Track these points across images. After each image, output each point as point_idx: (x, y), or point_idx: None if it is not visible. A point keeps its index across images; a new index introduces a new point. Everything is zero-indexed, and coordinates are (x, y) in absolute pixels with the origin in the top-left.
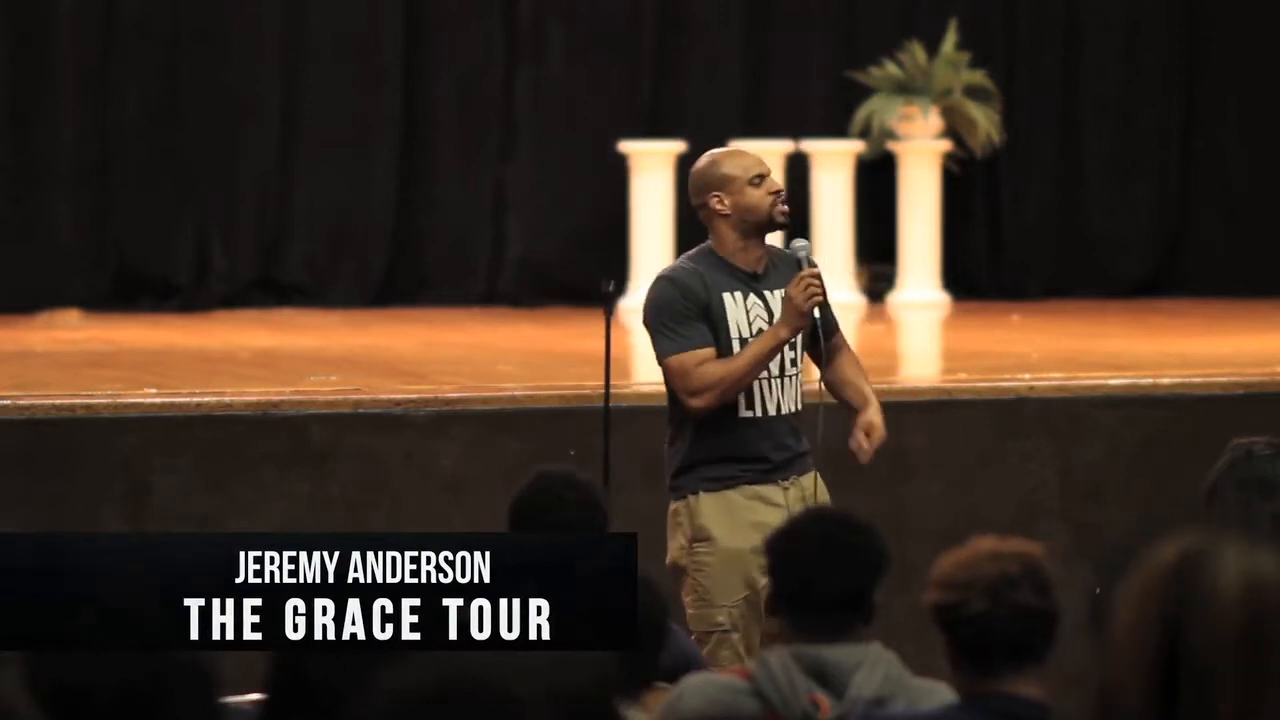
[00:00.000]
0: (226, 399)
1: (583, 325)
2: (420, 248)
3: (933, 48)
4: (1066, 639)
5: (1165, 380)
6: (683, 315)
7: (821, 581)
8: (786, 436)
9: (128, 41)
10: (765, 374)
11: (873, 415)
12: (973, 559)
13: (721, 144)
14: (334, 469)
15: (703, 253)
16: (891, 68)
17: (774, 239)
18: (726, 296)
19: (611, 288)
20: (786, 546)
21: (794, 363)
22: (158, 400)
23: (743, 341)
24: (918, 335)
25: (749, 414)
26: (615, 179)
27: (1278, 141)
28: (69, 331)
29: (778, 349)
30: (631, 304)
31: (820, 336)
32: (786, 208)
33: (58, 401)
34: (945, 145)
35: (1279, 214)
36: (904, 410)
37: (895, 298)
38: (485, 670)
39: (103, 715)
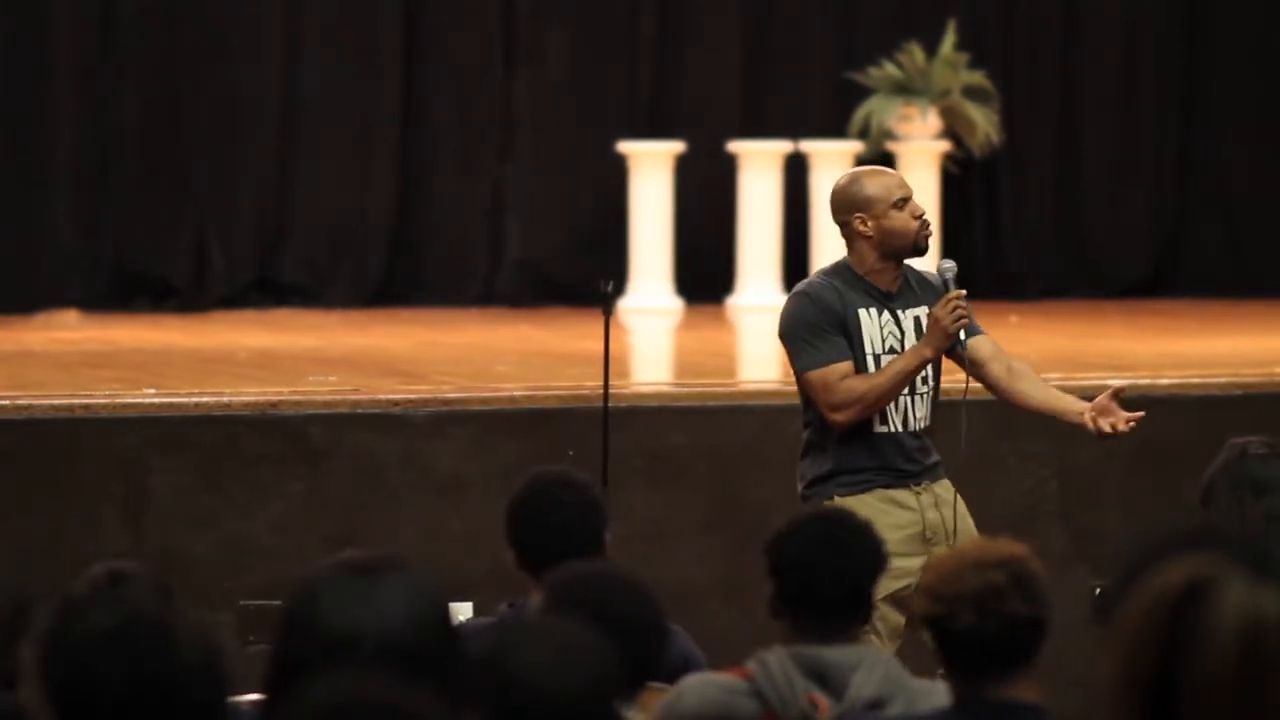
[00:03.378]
0: (225, 399)
1: (581, 326)
2: (419, 248)
3: (931, 48)
4: (1065, 640)
5: (1163, 381)
6: (821, 329)
7: (821, 582)
8: (916, 450)
9: (126, 42)
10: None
11: (1099, 400)
12: (959, 570)
13: (719, 145)
14: (332, 469)
15: (839, 268)
16: (890, 68)
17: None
18: (861, 312)
19: (610, 288)
20: (786, 548)
21: (925, 380)
22: (156, 400)
23: (876, 358)
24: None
25: (883, 429)
26: (614, 179)
27: (1275, 143)
28: (67, 332)
29: (921, 368)
30: (630, 304)
31: (961, 354)
32: (929, 231)
33: (56, 402)
34: (944, 146)
35: (1276, 215)
36: None
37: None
38: (394, 693)
39: (112, 711)
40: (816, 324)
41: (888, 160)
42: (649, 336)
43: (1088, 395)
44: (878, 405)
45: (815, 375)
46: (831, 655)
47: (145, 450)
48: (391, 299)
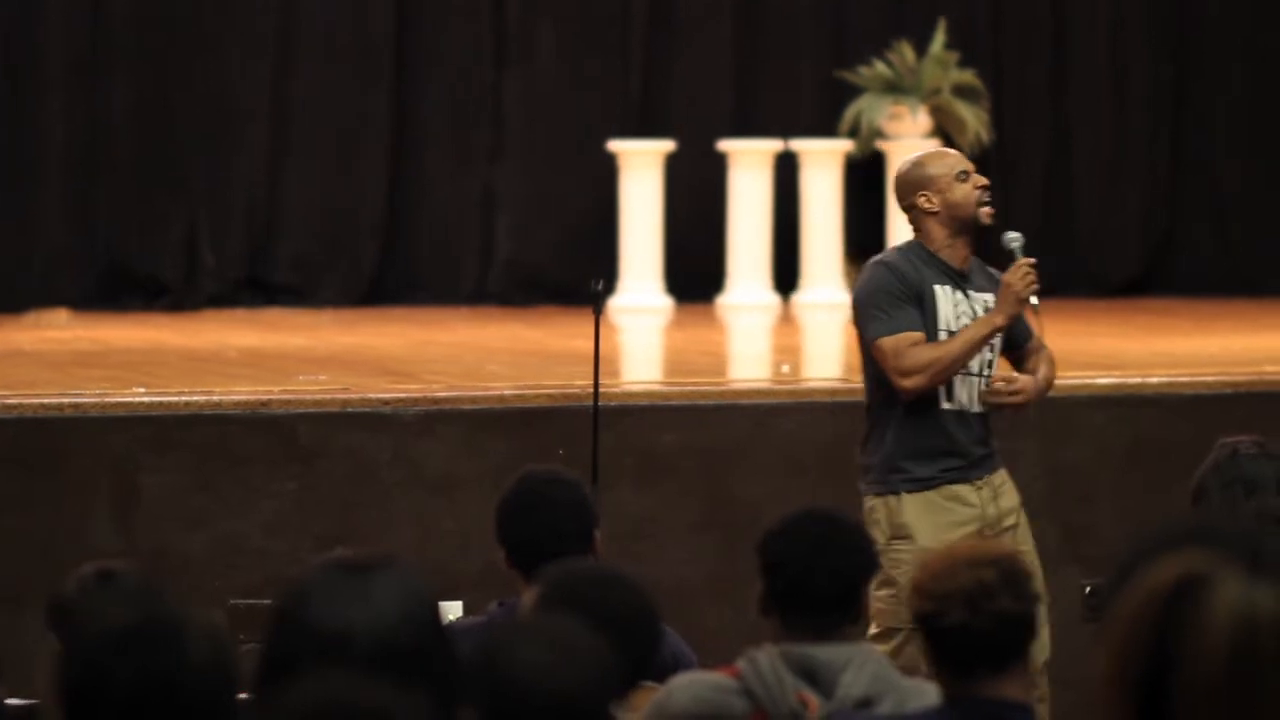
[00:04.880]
0: (215, 398)
1: (572, 324)
2: (409, 247)
3: (921, 47)
4: (1058, 639)
5: (1153, 380)
6: (896, 299)
7: (812, 581)
8: (980, 433)
9: (116, 39)
10: (964, 370)
11: (1022, 376)
12: (950, 568)
13: (710, 143)
14: (322, 468)
15: (912, 246)
16: (880, 67)
17: None
18: (938, 289)
19: (600, 287)
20: (777, 546)
21: (990, 364)
22: (146, 399)
23: (949, 334)
24: None
25: (949, 406)
26: (604, 178)
27: (1265, 141)
28: (57, 331)
29: (992, 336)
30: (620, 303)
31: (1019, 340)
32: (991, 206)
33: (46, 401)
34: (934, 144)
35: (1267, 214)
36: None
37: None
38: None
39: (123, 709)
40: (892, 293)
41: (877, 159)
42: (639, 335)
43: (1076, 395)
44: (947, 374)
45: (887, 342)
46: (821, 654)
47: (135, 449)
48: (382, 298)
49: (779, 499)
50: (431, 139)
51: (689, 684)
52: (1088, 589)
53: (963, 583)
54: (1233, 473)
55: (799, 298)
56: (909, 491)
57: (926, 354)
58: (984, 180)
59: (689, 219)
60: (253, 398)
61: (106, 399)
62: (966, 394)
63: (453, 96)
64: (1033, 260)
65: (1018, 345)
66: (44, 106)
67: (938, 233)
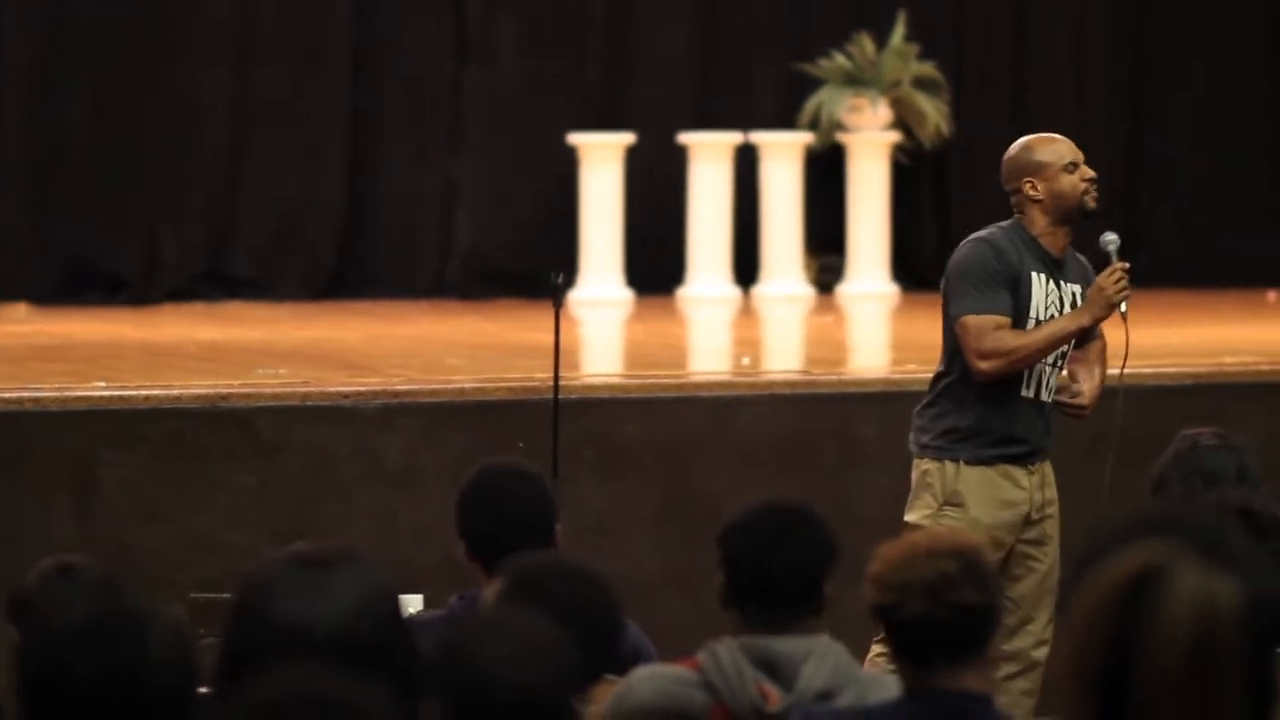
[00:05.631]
0: (175, 392)
1: (531, 317)
2: (369, 241)
3: (882, 39)
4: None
5: (1114, 371)
6: (991, 278)
7: (772, 573)
8: (1045, 424)
9: (78, 37)
10: (1047, 358)
11: (1084, 385)
12: (910, 558)
13: (670, 136)
14: (282, 462)
15: (1015, 227)
16: (840, 59)
17: None
18: (1034, 275)
19: (560, 279)
20: (737, 539)
21: (1064, 355)
22: (106, 393)
23: (1037, 322)
24: (866, 326)
25: (1027, 393)
26: (564, 171)
27: (1224, 136)
28: (17, 325)
29: (1074, 335)
30: (580, 295)
31: (1090, 334)
32: (1096, 197)
33: (6, 395)
34: (894, 137)
35: (1225, 208)
36: (853, 401)
37: (844, 289)
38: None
39: (84, 703)
40: (990, 272)
41: (837, 151)
42: (599, 328)
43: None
44: (1024, 364)
45: (973, 320)
46: (782, 646)
47: (96, 444)
48: (342, 292)
49: (739, 491)
50: (391, 133)
51: (649, 677)
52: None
53: (923, 573)
54: (1193, 464)
55: (759, 290)
56: (969, 463)
57: (1009, 341)
58: (1091, 173)
59: (649, 212)
60: (212, 392)
61: (67, 393)
62: (1045, 383)
63: (413, 90)
64: (1127, 265)
65: (1088, 339)
66: (5, 102)
67: (1039, 220)
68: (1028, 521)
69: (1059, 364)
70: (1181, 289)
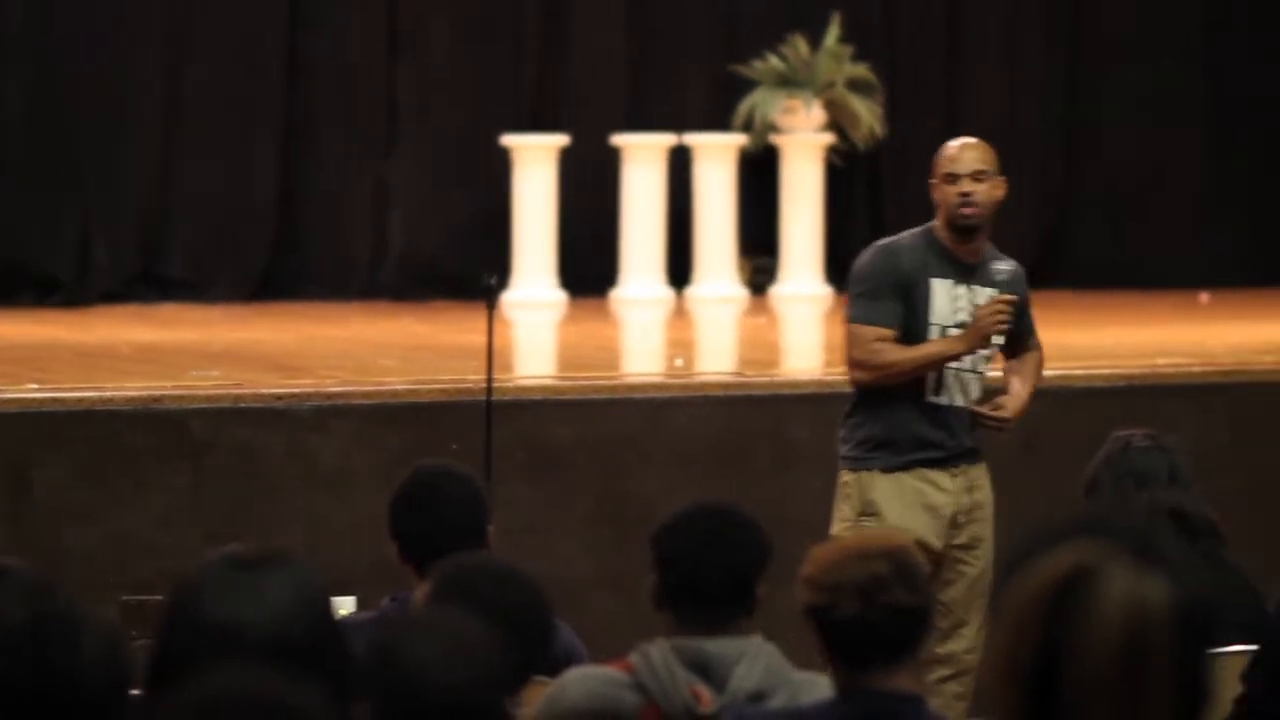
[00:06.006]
0: (108, 394)
1: (465, 319)
2: (302, 242)
3: (815, 41)
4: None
5: (1046, 372)
6: (880, 287)
7: (704, 574)
8: (962, 429)
9: (7, 36)
10: (957, 365)
11: (1007, 398)
12: (841, 559)
13: (603, 138)
14: (215, 463)
15: (927, 230)
16: (774, 61)
17: None
18: (936, 282)
19: (493, 281)
20: (669, 540)
21: (986, 360)
22: (39, 395)
23: (942, 330)
24: (800, 328)
25: (936, 399)
26: (498, 173)
27: (1158, 136)
28: None
29: (948, 360)
30: (513, 297)
31: (1019, 340)
32: (968, 211)
33: None
34: (828, 138)
35: (1159, 207)
36: (786, 403)
37: (777, 290)
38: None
39: (15, 703)
40: (879, 281)
41: (770, 153)
42: (532, 329)
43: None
44: (897, 379)
45: (855, 328)
46: (714, 648)
47: (28, 445)
48: (275, 293)
49: (672, 492)
50: (324, 133)
51: (581, 678)
52: None
53: (855, 575)
54: (1125, 465)
55: (692, 291)
56: (882, 470)
57: (884, 355)
58: (968, 188)
59: (583, 213)
60: (145, 393)
61: None
62: (958, 388)
63: (346, 91)
64: (1011, 298)
65: (1018, 340)
66: None
67: (941, 222)
68: (955, 525)
69: (979, 369)
70: (1114, 290)
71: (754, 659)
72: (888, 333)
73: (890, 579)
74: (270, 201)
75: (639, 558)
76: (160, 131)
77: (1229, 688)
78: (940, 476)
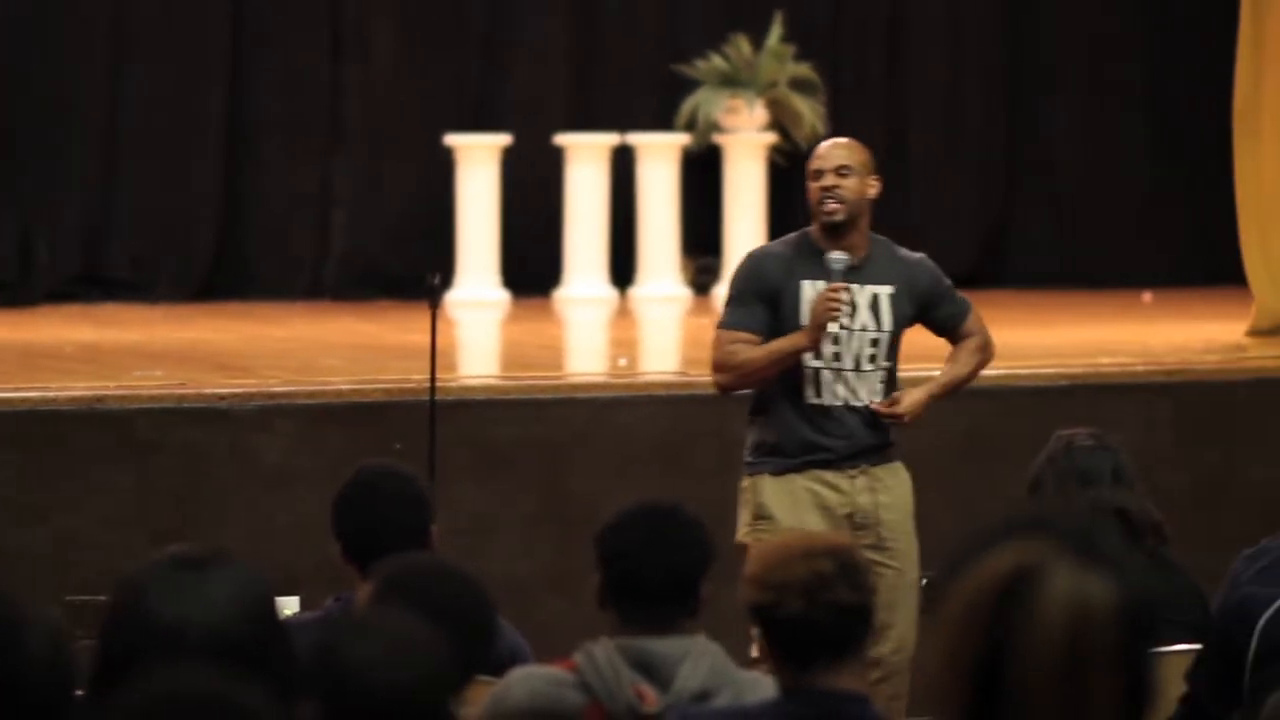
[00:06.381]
0: (51, 393)
1: (408, 319)
2: (245, 242)
3: (758, 41)
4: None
5: (990, 372)
6: (744, 292)
7: (648, 574)
8: (859, 428)
9: None
10: (836, 365)
11: (904, 393)
12: (786, 558)
13: (546, 137)
14: (158, 463)
15: (804, 233)
16: (717, 60)
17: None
18: (806, 284)
19: (437, 281)
20: (613, 540)
21: (873, 359)
22: None
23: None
24: None
25: (815, 401)
26: (441, 172)
27: (1101, 134)
28: None
29: (794, 354)
30: (457, 297)
31: (944, 328)
32: (830, 206)
33: None
34: (770, 138)
35: (1101, 206)
36: (729, 402)
37: (720, 290)
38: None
39: None
40: (745, 286)
41: (714, 152)
42: (476, 329)
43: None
44: (753, 378)
45: (719, 333)
46: (658, 647)
47: None
48: (218, 293)
49: (616, 492)
50: (267, 133)
51: (525, 678)
52: (924, 581)
53: (799, 573)
54: (1068, 465)
55: (636, 291)
56: (772, 474)
57: (737, 356)
58: (828, 182)
59: (526, 213)
60: (89, 393)
61: None
62: (843, 388)
63: (289, 91)
64: (843, 285)
65: (945, 332)
66: None
67: (815, 222)
68: (858, 526)
69: (866, 369)
70: (1057, 290)
71: (698, 658)
72: (748, 336)
73: (834, 577)
74: (213, 201)
75: (583, 557)
76: (103, 131)
77: (1173, 687)
78: (835, 477)
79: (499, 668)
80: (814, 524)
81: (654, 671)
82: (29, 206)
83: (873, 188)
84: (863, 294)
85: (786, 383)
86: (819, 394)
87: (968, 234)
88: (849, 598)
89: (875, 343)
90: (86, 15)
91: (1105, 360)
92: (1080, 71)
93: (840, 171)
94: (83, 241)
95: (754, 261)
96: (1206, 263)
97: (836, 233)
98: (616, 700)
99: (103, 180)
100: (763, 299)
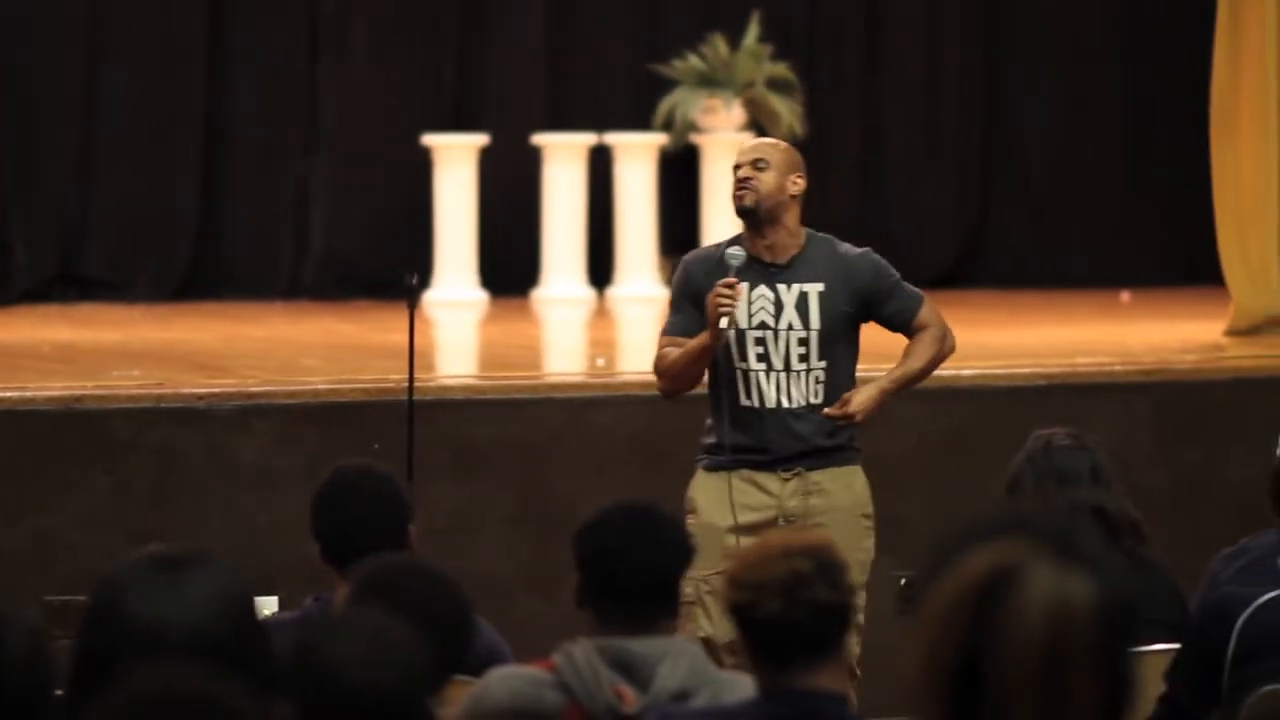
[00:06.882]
0: (29, 394)
1: (386, 319)
2: (223, 242)
3: (735, 40)
4: (872, 633)
5: (967, 372)
6: (677, 299)
7: (626, 574)
8: (797, 429)
9: None
10: (764, 367)
11: (854, 392)
12: (764, 558)
13: (524, 137)
14: (136, 463)
15: (737, 236)
16: (694, 60)
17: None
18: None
19: (415, 281)
20: (591, 539)
21: (803, 359)
22: None
23: (740, 333)
24: None
25: (748, 403)
26: (418, 172)
27: (1078, 134)
28: None
29: (703, 352)
30: (435, 297)
31: (895, 324)
32: (740, 193)
33: None
34: (748, 137)
35: (1079, 206)
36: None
37: None
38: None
39: None
40: (677, 293)
41: (691, 152)
42: (454, 329)
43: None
44: (683, 379)
45: (659, 339)
46: (637, 647)
47: None
48: (196, 293)
49: (594, 492)
50: (245, 133)
51: (504, 678)
52: (902, 581)
53: (778, 573)
54: (1046, 464)
55: (614, 291)
56: (705, 469)
57: (663, 361)
58: (743, 174)
59: (503, 213)
60: (67, 393)
61: None
62: (774, 389)
63: (266, 90)
64: (733, 281)
65: (897, 327)
66: None
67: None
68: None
69: (798, 369)
70: (1034, 290)
71: (677, 658)
72: (681, 340)
73: (812, 576)
74: (191, 201)
75: (561, 557)
76: (80, 130)
77: (1152, 686)
78: (765, 478)
79: (478, 668)
80: (738, 523)
81: (633, 671)
82: (5, 206)
83: (796, 185)
84: (789, 293)
85: (725, 384)
86: (749, 395)
87: (945, 233)
88: (828, 597)
89: (804, 342)
90: (62, 12)
91: (1083, 360)
92: (1057, 71)
93: (756, 165)
94: (60, 241)
95: (684, 266)
96: (1184, 263)
97: (757, 228)
98: (595, 700)
99: (80, 180)
100: (692, 301)
